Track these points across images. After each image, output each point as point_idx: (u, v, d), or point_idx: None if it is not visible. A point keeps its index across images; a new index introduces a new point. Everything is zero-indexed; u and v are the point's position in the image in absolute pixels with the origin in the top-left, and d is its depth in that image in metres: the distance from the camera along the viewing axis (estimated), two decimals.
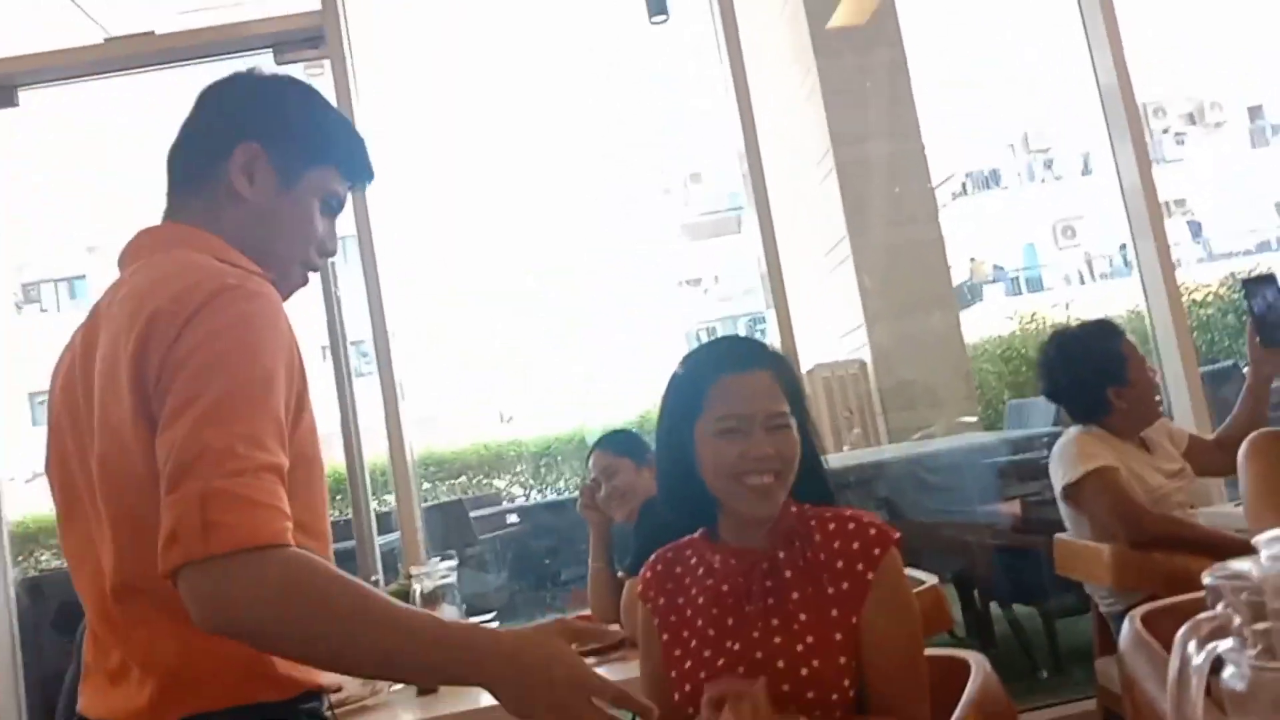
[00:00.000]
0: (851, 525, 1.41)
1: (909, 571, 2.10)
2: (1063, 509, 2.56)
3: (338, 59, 3.12)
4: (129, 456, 1.05)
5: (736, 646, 1.38)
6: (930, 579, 2.06)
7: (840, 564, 1.39)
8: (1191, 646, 0.74)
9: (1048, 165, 18.49)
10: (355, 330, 3.15)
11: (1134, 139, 3.25)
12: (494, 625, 2.15)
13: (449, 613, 2.24)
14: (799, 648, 1.35)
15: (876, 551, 1.38)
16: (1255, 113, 19.01)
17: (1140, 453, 2.53)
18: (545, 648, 1.03)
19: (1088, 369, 2.51)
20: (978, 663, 1.49)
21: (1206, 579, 0.75)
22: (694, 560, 1.47)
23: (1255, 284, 2.46)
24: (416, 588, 2.26)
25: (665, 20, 3.74)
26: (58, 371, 1.23)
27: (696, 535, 1.49)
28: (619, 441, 2.65)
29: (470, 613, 2.54)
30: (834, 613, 1.36)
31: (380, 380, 3.03)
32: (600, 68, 9.75)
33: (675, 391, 1.47)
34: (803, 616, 1.37)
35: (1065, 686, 3.20)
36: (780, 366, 1.46)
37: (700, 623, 1.42)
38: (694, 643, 1.41)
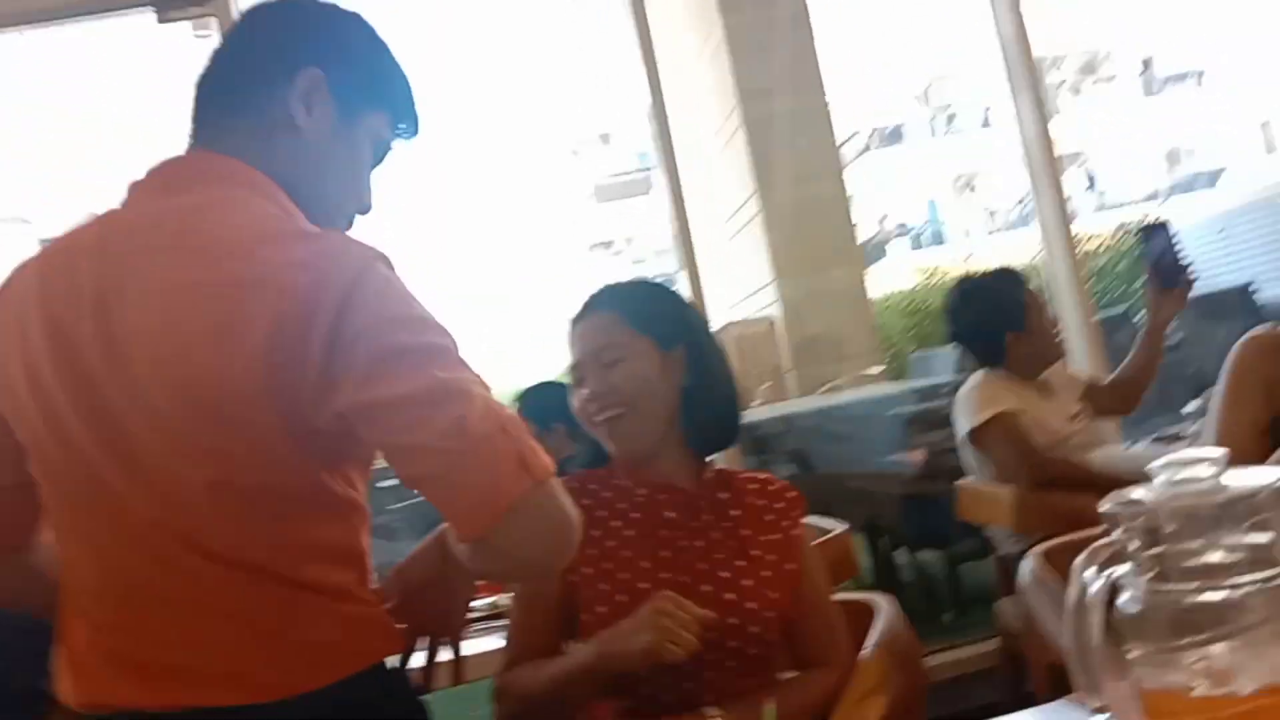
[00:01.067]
0: (772, 486, 1.48)
1: (819, 521, 2.13)
2: (967, 453, 2.62)
3: (225, 18, 2.94)
4: (255, 425, 0.96)
5: (668, 576, 1.37)
6: (839, 527, 2.09)
7: (769, 516, 1.45)
8: (1089, 574, 0.75)
9: (949, 120, 18.81)
10: None
11: (1032, 91, 3.29)
12: None
13: None
14: (735, 579, 1.38)
15: (796, 513, 1.47)
16: (1145, 65, 19.61)
17: (1041, 397, 2.59)
18: None
19: (988, 314, 2.59)
20: (885, 603, 1.53)
21: (1104, 506, 0.76)
22: (607, 493, 1.45)
23: (1150, 231, 2.60)
24: None
25: None
26: (21, 328, 1.03)
27: (604, 469, 1.47)
28: (535, 404, 2.60)
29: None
30: (770, 556, 1.41)
31: None
32: (505, 28, 9.56)
33: None
34: (739, 551, 1.40)
35: (968, 628, 3.28)
36: (628, 303, 1.46)
37: (623, 550, 1.40)
38: (608, 566, 1.39)
